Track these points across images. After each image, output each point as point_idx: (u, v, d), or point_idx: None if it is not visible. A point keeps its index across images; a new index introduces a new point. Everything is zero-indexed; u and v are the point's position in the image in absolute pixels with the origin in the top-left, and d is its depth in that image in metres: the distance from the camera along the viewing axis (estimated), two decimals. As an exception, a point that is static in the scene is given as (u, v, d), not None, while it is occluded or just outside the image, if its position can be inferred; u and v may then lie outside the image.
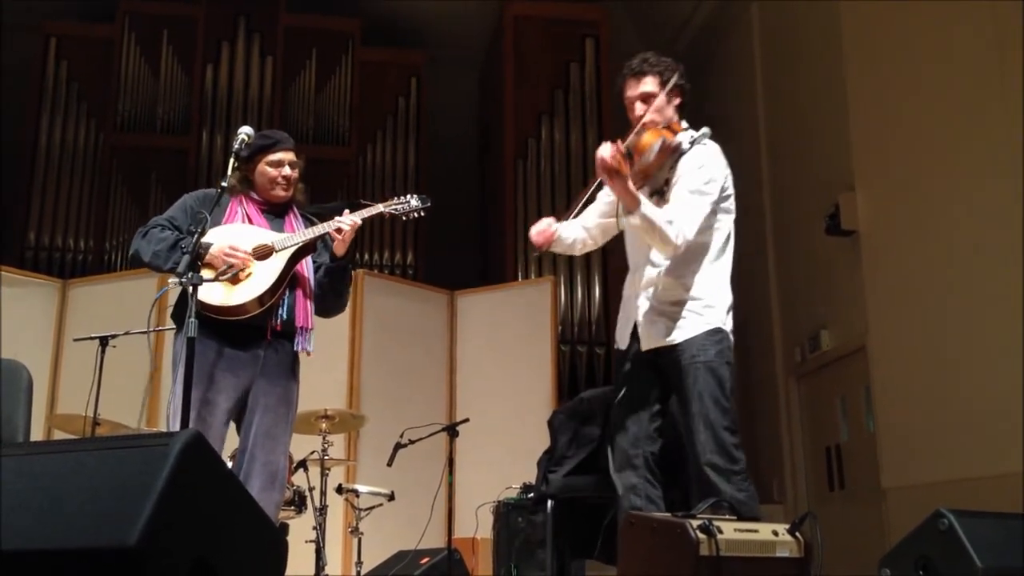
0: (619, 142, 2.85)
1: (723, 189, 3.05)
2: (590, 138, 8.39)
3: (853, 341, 5.93)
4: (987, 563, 2.32)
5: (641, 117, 3.01)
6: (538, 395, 6.42)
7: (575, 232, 3.22)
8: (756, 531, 2.45)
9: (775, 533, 2.47)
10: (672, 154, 3.00)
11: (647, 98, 3.03)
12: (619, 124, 3.22)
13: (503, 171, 8.41)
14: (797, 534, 2.49)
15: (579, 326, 7.92)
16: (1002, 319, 4.46)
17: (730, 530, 2.39)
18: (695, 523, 2.36)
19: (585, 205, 3.20)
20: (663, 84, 3.04)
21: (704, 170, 2.98)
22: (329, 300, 3.28)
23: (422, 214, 3.24)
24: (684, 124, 3.10)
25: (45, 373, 6.01)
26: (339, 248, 3.18)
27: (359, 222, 3.15)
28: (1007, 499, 3.97)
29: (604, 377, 7.70)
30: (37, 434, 4.47)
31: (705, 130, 3.07)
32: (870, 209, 5.75)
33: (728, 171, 3.09)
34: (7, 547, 1.67)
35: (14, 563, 1.67)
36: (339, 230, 3.13)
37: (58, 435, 5.17)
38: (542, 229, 3.12)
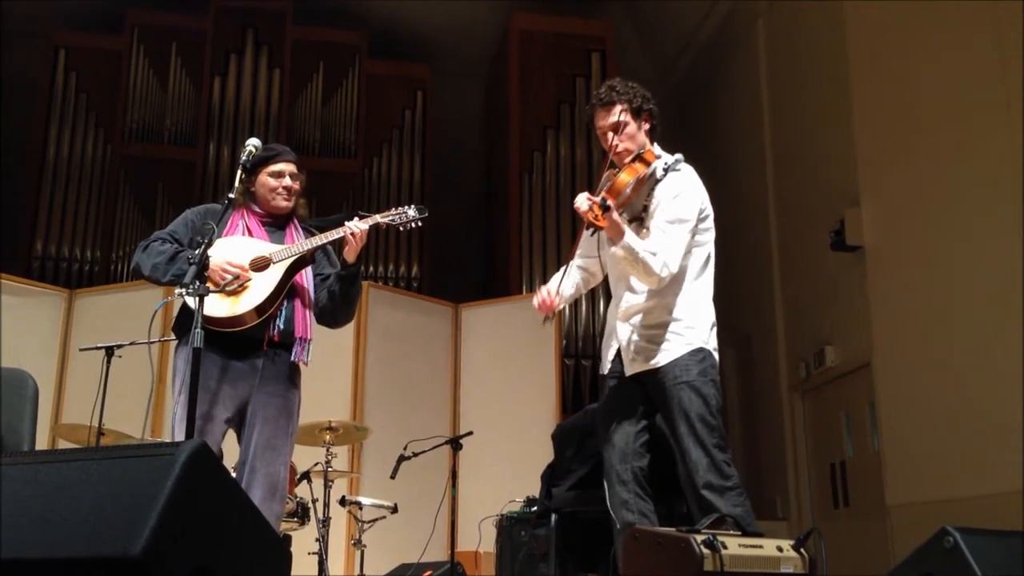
0: (594, 201, 2.84)
1: (700, 211, 3.05)
2: (595, 152, 8.41)
3: (858, 357, 5.91)
4: (993, 581, 2.30)
5: (615, 147, 3.03)
6: (542, 408, 6.41)
7: (575, 280, 3.25)
8: (760, 547, 2.45)
9: (779, 549, 2.47)
10: (648, 182, 3.02)
11: (618, 127, 3.04)
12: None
13: (508, 184, 8.43)
14: (802, 550, 2.48)
15: (583, 340, 7.92)
16: (1008, 335, 4.45)
17: (734, 545, 2.39)
18: (699, 538, 2.35)
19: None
20: (632, 111, 3.05)
21: (680, 198, 3.00)
22: (339, 307, 3.27)
23: (419, 224, 3.24)
24: (657, 150, 3.11)
25: (51, 382, 6.02)
26: (350, 255, 3.19)
27: (367, 228, 3.16)
28: (1015, 518, 3.94)
29: (608, 391, 7.68)
30: (42, 443, 4.47)
31: (678, 156, 3.09)
32: (875, 225, 5.75)
33: (704, 193, 3.10)
34: (12, 556, 1.67)
35: (18, 572, 1.67)
36: (352, 234, 3.13)
37: (63, 444, 5.17)
38: (543, 300, 3.11)
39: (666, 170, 3.04)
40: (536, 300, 3.13)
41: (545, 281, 8.70)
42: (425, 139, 9.12)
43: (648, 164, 3.00)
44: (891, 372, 5.51)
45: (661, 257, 2.87)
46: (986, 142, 4.75)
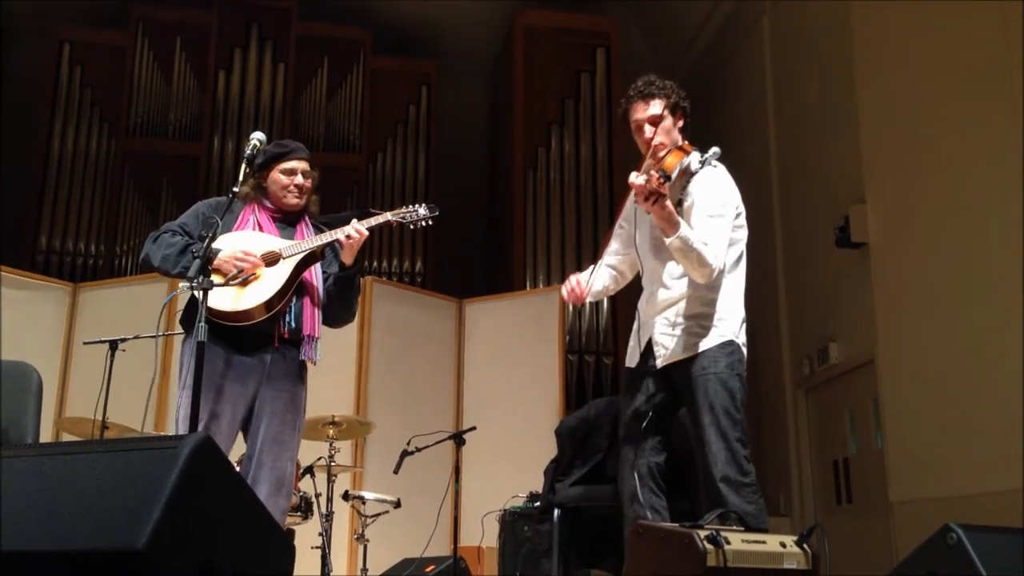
0: (652, 172, 2.85)
1: (736, 208, 3.08)
2: (600, 148, 8.41)
3: (862, 354, 5.91)
4: (996, 578, 2.30)
5: (650, 139, 3.03)
6: (545, 404, 6.41)
7: (604, 279, 3.28)
8: (764, 542, 2.44)
9: (783, 545, 2.46)
10: (684, 175, 3.01)
11: (655, 120, 3.06)
12: (629, 135, 3.23)
13: (512, 180, 8.43)
14: (805, 546, 2.48)
15: (587, 335, 7.92)
16: (1013, 333, 4.44)
17: (738, 541, 2.38)
18: (703, 533, 2.35)
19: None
20: (669, 107, 3.08)
21: (719, 193, 3.02)
22: (337, 309, 3.28)
23: (429, 223, 3.25)
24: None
25: (54, 376, 6.03)
26: (346, 257, 3.19)
27: (365, 231, 3.16)
28: (1018, 514, 3.94)
29: (611, 387, 7.69)
30: (46, 437, 4.48)
31: (715, 150, 3.05)
32: (880, 221, 5.74)
33: (737, 191, 3.13)
34: (15, 548, 1.68)
35: (22, 564, 1.68)
36: (348, 238, 3.14)
37: (67, 438, 5.18)
38: (572, 288, 3.14)
39: (702, 163, 3.03)
40: (565, 289, 3.16)
41: (548, 277, 8.69)
42: (429, 135, 9.12)
43: (687, 154, 3.01)
44: (895, 369, 5.50)
45: (712, 248, 2.88)
46: (991, 140, 4.73)
